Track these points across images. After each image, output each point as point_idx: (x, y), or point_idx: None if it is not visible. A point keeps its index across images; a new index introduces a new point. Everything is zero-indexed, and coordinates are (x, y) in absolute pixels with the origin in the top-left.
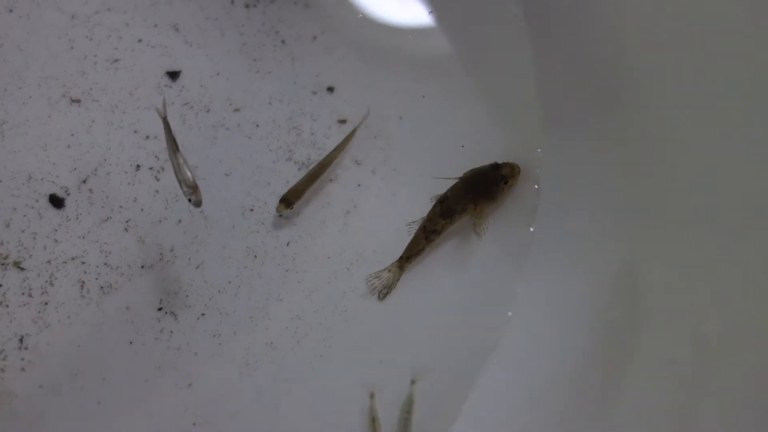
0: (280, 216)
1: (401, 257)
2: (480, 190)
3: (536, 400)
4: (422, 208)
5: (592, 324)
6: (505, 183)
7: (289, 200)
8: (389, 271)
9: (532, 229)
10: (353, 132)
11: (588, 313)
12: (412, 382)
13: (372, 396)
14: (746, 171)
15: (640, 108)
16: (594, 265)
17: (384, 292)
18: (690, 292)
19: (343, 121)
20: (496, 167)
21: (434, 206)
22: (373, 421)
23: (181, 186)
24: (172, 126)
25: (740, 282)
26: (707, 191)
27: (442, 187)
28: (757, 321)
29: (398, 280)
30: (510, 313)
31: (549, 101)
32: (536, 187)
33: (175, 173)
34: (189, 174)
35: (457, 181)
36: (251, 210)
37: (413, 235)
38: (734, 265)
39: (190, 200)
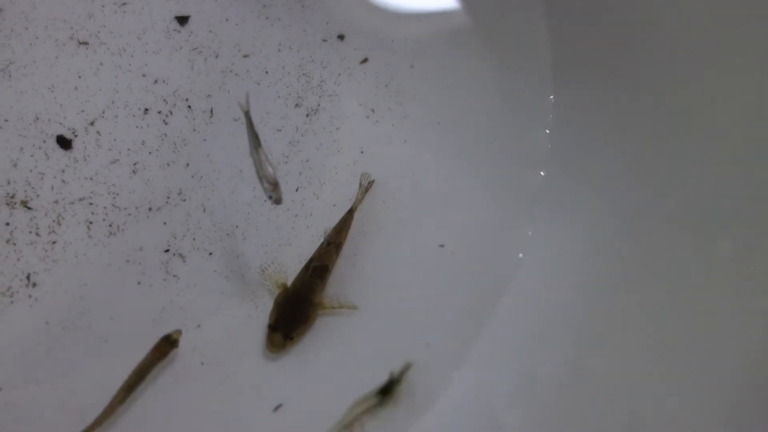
0: None
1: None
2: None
3: (546, 339)
4: (433, 154)
5: (602, 262)
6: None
7: None
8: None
9: (542, 173)
10: None
11: (598, 252)
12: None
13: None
14: (763, 111)
15: (653, 49)
16: (605, 206)
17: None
18: (701, 226)
19: (364, 61)
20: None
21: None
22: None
23: (261, 183)
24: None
25: (756, 216)
26: (721, 131)
27: None
28: None
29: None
30: (521, 255)
31: (560, 45)
32: (547, 132)
33: (256, 169)
34: (271, 170)
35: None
36: None
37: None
38: (752, 201)
39: (270, 197)
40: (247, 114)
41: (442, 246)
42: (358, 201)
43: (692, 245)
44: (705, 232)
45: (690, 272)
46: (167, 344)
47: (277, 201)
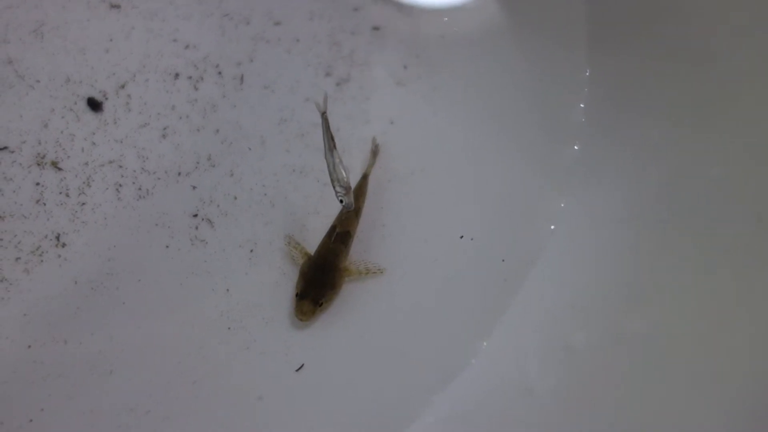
0: None
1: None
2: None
3: (579, 307)
4: (463, 126)
5: (637, 233)
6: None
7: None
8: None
9: (576, 147)
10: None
11: (633, 222)
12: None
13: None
14: None
15: (690, 19)
16: (641, 178)
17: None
18: (745, 192)
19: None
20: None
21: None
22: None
23: (333, 186)
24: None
25: None
26: (762, 98)
27: None
28: None
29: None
30: (552, 227)
31: (597, 20)
32: (582, 106)
33: (330, 172)
34: (344, 174)
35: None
36: (288, 123)
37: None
38: None
39: (341, 201)
40: (324, 116)
41: (461, 237)
42: (370, 166)
43: (735, 212)
44: (749, 198)
45: (732, 238)
46: None
47: (348, 206)
